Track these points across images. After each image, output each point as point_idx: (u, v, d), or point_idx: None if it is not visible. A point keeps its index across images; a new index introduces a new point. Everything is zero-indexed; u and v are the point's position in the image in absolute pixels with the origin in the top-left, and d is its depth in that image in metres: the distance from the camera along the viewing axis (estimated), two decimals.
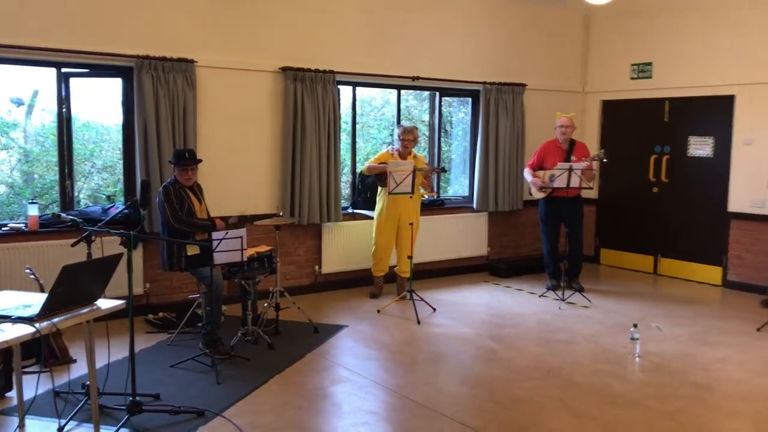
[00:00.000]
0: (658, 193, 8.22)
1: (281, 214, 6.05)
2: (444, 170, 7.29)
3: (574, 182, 6.68)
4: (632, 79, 8.37)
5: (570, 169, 6.65)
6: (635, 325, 5.29)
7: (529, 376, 4.76)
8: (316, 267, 7.05)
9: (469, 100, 8.25)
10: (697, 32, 7.69)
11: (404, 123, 7.10)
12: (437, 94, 8.02)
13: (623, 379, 4.72)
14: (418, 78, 7.48)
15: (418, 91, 8.16)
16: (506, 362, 5.05)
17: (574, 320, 6.21)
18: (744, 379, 4.73)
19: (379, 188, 6.86)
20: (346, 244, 7.17)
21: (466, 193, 8.37)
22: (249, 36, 6.45)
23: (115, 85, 6.05)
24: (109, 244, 4.77)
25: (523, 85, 8.22)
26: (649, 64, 8.18)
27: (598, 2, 5.41)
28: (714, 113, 7.63)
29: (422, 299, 6.48)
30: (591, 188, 7.08)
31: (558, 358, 5.13)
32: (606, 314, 6.40)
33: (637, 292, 7.40)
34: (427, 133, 8.32)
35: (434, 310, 6.45)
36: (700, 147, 7.79)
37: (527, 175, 7.38)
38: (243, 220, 5.77)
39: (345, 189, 7.55)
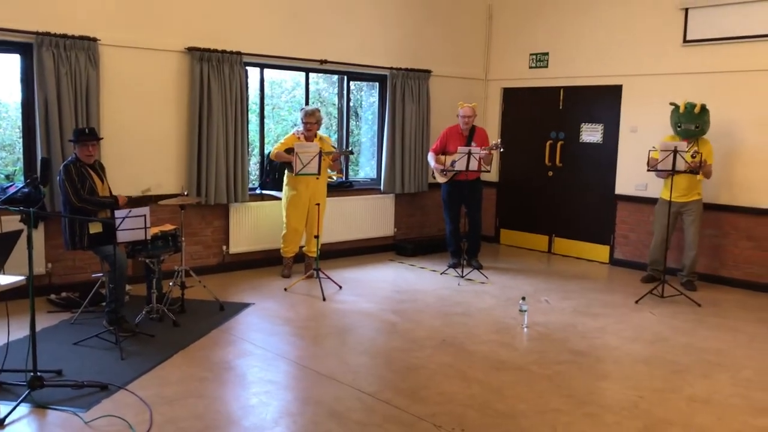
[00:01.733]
0: (553, 177, 8.73)
1: (186, 193, 6.10)
2: (351, 152, 7.50)
3: (473, 166, 7.02)
4: (530, 68, 8.83)
5: (469, 153, 6.99)
6: (524, 298, 5.70)
7: (424, 345, 5.07)
8: (224, 247, 7.14)
9: (377, 84, 8.48)
10: (590, 25, 8.19)
11: (306, 106, 7.25)
12: (345, 77, 8.21)
13: (510, 347, 5.10)
14: (326, 61, 7.64)
15: (328, 75, 8.31)
16: (405, 334, 5.35)
17: (472, 295, 6.58)
18: (618, 346, 5.21)
19: (287, 171, 7.00)
20: (255, 224, 7.29)
21: (375, 176, 8.62)
22: (154, 16, 6.43)
23: (14, 61, 5.91)
24: (9, 224, 4.73)
25: (429, 72, 8.52)
26: (546, 54, 8.65)
27: None
28: (604, 102, 8.17)
29: (329, 277, 6.69)
30: (489, 171, 7.46)
31: (453, 329, 5.47)
32: (501, 289, 6.81)
33: (531, 269, 7.87)
34: (337, 117, 8.50)
35: (340, 287, 6.68)
36: (591, 133, 8.34)
37: (431, 159, 7.70)
38: (148, 200, 5.80)
39: (254, 170, 7.65)
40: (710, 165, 6.69)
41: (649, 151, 6.71)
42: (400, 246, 8.50)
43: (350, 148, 8.25)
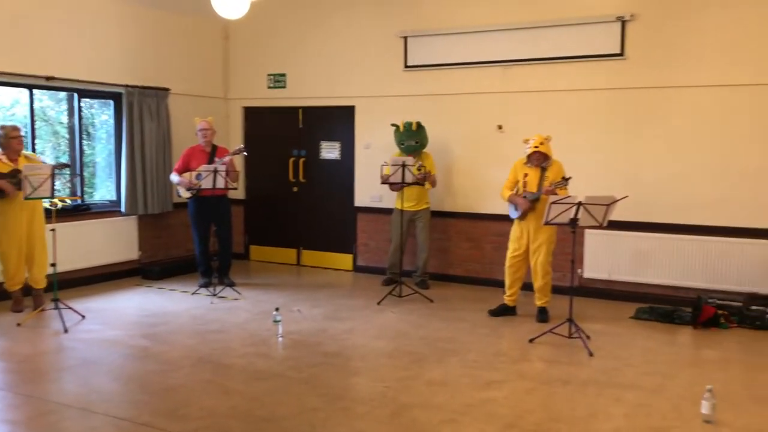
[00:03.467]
0: (298, 192, 9.11)
1: None
2: (67, 165, 6.99)
3: (220, 183, 7.08)
4: (269, 87, 9.13)
5: (215, 171, 7.04)
6: (277, 309, 5.92)
7: (181, 365, 5.03)
8: None
9: (112, 102, 8.13)
10: (324, 49, 8.72)
11: (4, 123, 6.63)
12: (76, 95, 7.75)
13: (267, 357, 5.28)
14: (53, 78, 7.16)
15: (55, 92, 7.77)
16: (159, 356, 5.25)
17: (225, 312, 6.64)
18: (364, 344, 5.66)
19: None
20: None
21: (114, 197, 8.23)
22: None
23: None
24: None
25: (167, 90, 8.39)
26: (284, 75, 9.02)
27: (232, 17, 5.88)
28: (340, 121, 8.76)
29: (69, 307, 6.26)
30: (236, 188, 7.58)
31: (209, 346, 5.50)
32: (254, 304, 6.96)
33: (282, 282, 8.14)
34: (67, 136, 7.97)
35: (83, 317, 6.29)
36: (330, 151, 8.88)
37: (174, 177, 7.58)
38: None
39: None
40: (434, 175, 7.56)
41: (382, 166, 7.36)
42: (147, 269, 8.21)
43: (64, 161, 7.58)
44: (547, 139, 6.26)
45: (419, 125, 7.60)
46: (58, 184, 6.41)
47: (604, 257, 7.26)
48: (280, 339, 5.74)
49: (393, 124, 7.67)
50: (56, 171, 6.26)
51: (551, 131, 6.56)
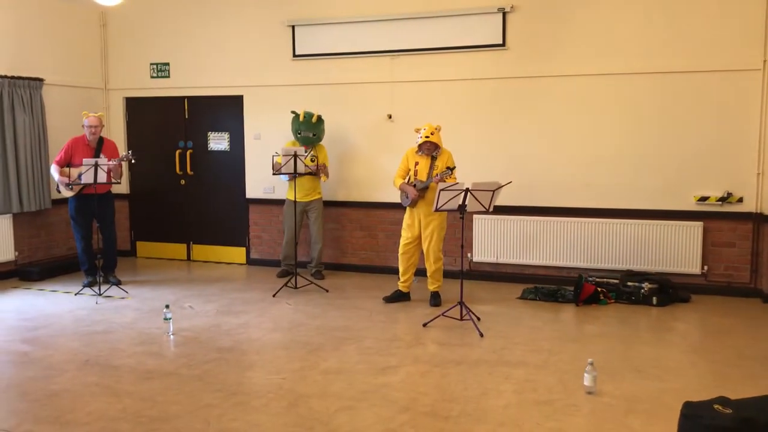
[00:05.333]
0: (186, 185, 8.86)
1: None
2: None
3: (102, 178, 6.77)
4: (152, 77, 8.80)
5: (96, 165, 6.72)
6: (167, 306, 5.74)
7: (64, 369, 4.79)
8: None
9: None
10: (209, 38, 8.49)
11: None
12: None
13: (158, 356, 5.13)
14: None
15: None
16: (40, 361, 4.98)
17: (112, 312, 6.37)
18: (259, 337, 5.60)
19: None
20: None
21: None
22: None
23: None
24: None
25: (41, 80, 7.90)
26: (167, 64, 8.71)
27: (108, 3, 5.61)
28: (228, 111, 8.57)
29: None
30: (119, 183, 7.27)
31: (95, 348, 5.27)
32: (143, 302, 6.72)
33: (172, 278, 7.90)
34: None
35: None
36: (219, 142, 8.68)
37: (54, 172, 7.16)
38: None
39: None
40: (326, 167, 7.56)
41: (273, 156, 7.28)
42: (25, 271, 7.74)
43: None
44: (437, 128, 6.40)
45: (320, 118, 7.57)
46: None
47: (492, 241, 7.54)
48: (171, 337, 5.58)
49: (293, 112, 7.60)
50: None
51: (439, 120, 6.72)
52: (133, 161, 7.26)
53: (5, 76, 7.48)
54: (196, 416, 4.00)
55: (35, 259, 8.05)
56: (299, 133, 7.55)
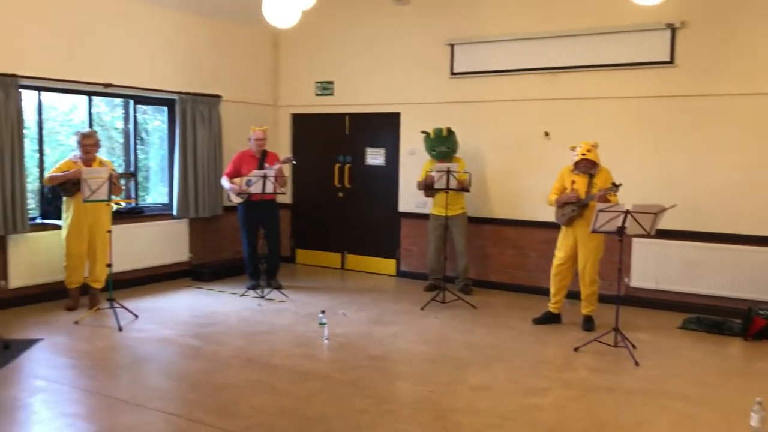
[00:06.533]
0: (344, 198, 9.24)
1: None
2: (132, 174, 7.33)
3: (269, 188, 7.25)
4: (317, 95, 9.29)
5: (265, 177, 7.21)
6: (323, 312, 6.02)
7: (230, 365, 5.18)
8: (2, 282, 6.61)
9: (165, 108, 8.39)
10: (371, 57, 8.84)
11: (82, 129, 6.97)
12: (131, 101, 8.02)
13: (314, 358, 5.39)
14: (110, 85, 7.44)
15: (110, 98, 8.05)
16: (209, 356, 5.41)
17: (273, 314, 6.78)
18: (408, 348, 5.73)
19: (64, 197, 6.66)
20: (36, 255, 6.84)
21: (166, 201, 8.48)
22: None
23: None
24: None
25: (219, 97, 8.62)
26: (331, 82, 9.17)
27: (282, 26, 6.01)
28: (385, 128, 8.86)
29: (123, 307, 6.48)
30: (284, 193, 7.75)
31: (258, 347, 5.64)
32: (300, 306, 7.09)
33: (327, 285, 8.26)
34: (122, 141, 8.25)
35: (136, 316, 6.51)
36: (375, 157, 8.99)
37: (225, 182, 7.78)
38: None
39: (33, 198, 7.17)
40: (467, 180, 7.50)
41: (427, 173, 7.42)
42: (197, 271, 8.43)
43: (131, 170, 7.96)
44: (594, 145, 6.23)
45: (449, 131, 7.65)
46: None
47: (652, 266, 7.18)
48: (326, 341, 5.84)
49: (423, 131, 7.74)
50: (122, 179, 6.71)
51: (598, 138, 6.53)
52: (294, 162, 7.72)
53: (189, 93, 8.23)
54: (349, 420, 4.17)
55: (206, 261, 8.75)
56: (433, 150, 7.67)
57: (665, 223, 5.73)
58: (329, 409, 4.34)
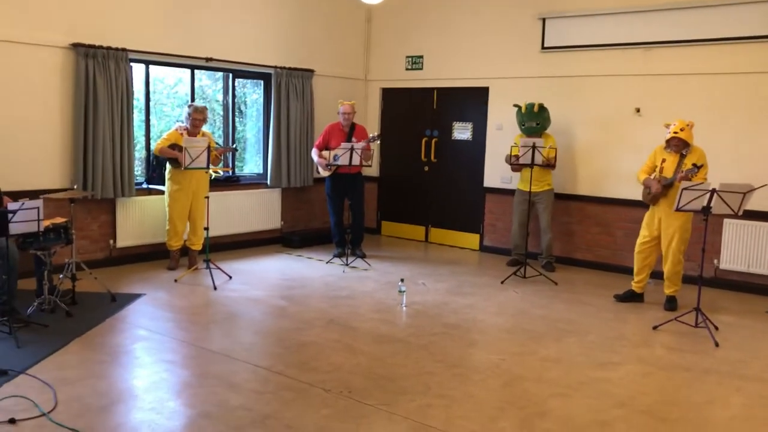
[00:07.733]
0: (429, 172, 9.39)
1: (75, 187, 6.17)
2: (235, 150, 7.79)
3: (355, 160, 7.50)
4: (407, 69, 9.44)
5: (351, 149, 7.46)
6: (402, 280, 6.24)
7: (313, 325, 5.49)
8: (111, 241, 7.21)
9: (262, 82, 8.78)
10: (461, 32, 8.89)
11: (196, 103, 7.45)
12: (231, 75, 8.45)
13: (391, 324, 5.63)
14: (211, 59, 7.87)
15: (212, 72, 8.51)
16: (294, 316, 5.74)
17: (356, 281, 7.07)
18: (484, 319, 5.86)
19: (168, 165, 7.16)
20: (141, 218, 7.40)
21: (261, 171, 8.91)
22: (35, 11, 6.42)
23: None
24: None
25: (312, 71, 8.92)
26: (421, 56, 9.28)
27: (375, 1, 6.17)
28: (473, 102, 8.91)
29: (219, 268, 6.94)
30: (370, 166, 7.98)
31: (339, 310, 5.93)
32: (382, 275, 7.34)
33: (410, 257, 8.48)
34: (222, 113, 8.72)
35: (230, 277, 6.95)
36: (462, 131, 9.06)
37: (314, 155, 8.11)
38: (35, 194, 5.83)
39: (139, 165, 7.75)
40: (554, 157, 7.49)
41: (512, 147, 7.45)
42: (287, 238, 8.85)
43: (235, 146, 8.47)
44: (689, 125, 6.06)
45: (541, 107, 7.61)
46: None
47: (744, 248, 6.95)
48: (404, 308, 6.06)
49: (515, 105, 7.74)
50: (226, 153, 7.36)
51: (694, 116, 6.36)
52: (378, 141, 7.98)
53: (284, 68, 8.57)
54: (419, 380, 4.38)
55: (296, 228, 9.15)
56: (523, 125, 7.67)
57: (759, 204, 5.55)
58: (401, 369, 4.56)
